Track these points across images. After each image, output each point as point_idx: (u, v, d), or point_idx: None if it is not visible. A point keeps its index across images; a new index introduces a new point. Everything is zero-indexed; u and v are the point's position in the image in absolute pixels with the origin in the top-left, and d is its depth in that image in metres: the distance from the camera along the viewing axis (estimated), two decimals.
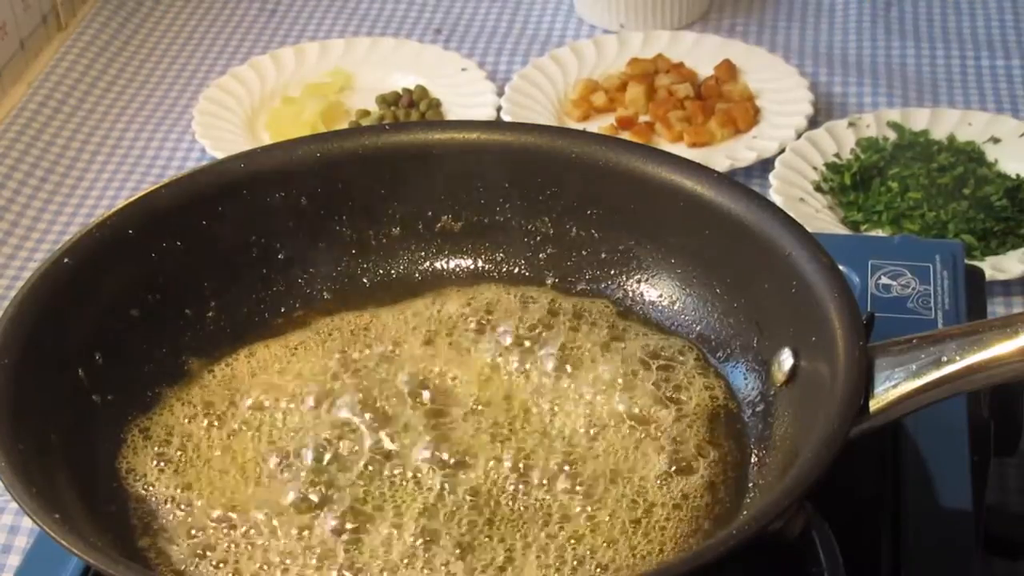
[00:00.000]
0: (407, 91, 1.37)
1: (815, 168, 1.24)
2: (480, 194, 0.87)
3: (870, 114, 1.30)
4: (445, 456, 0.75)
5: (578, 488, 0.73)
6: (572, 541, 0.71)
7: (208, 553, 0.72)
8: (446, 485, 0.74)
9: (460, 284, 0.87)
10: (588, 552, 0.71)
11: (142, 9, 1.57)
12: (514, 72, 1.41)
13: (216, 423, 0.79)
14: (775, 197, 1.19)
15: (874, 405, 0.69)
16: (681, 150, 1.27)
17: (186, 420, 0.79)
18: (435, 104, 1.37)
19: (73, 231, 0.96)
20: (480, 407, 0.78)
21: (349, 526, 0.72)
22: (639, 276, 0.86)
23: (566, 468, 0.74)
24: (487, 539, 0.71)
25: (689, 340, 0.83)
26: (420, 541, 0.71)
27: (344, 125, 1.34)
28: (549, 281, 0.87)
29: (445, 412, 0.78)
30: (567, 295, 0.85)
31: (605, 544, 0.71)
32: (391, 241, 0.88)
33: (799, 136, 1.28)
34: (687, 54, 1.41)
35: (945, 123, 1.28)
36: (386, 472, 0.75)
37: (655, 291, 0.85)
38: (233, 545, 0.72)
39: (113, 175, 1.33)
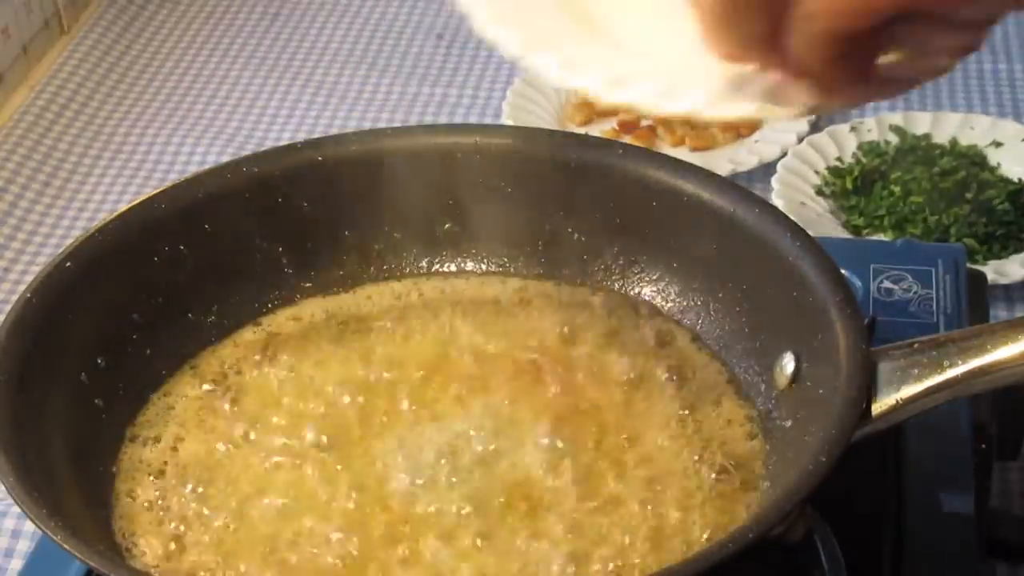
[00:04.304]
0: None
1: (817, 172, 1.24)
2: (481, 198, 0.87)
3: (872, 118, 1.30)
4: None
5: (578, 490, 0.73)
6: (575, 537, 0.71)
7: (210, 557, 0.72)
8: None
9: (463, 287, 0.87)
10: (589, 553, 0.71)
11: (144, 13, 1.57)
12: (515, 76, 1.41)
13: (218, 428, 0.79)
14: (777, 201, 1.19)
15: (876, 409, 0.69)
16: (683, 154, 1.27)
17: (188, 424, 0.79)
18: None
19: (75, 236, 0.96)
20: (490, 424, 0.78)
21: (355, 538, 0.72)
22: (640, 280, 0.86)
23: (571, 477, 0.74)
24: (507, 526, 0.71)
25: (689, 343, 0.83)
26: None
27: None
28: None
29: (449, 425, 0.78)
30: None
31: (608, 547, 0.71)
32: (393, 244, 0.88)
33: (801, 140, 1.27)
34: None
35: (947, 127, 1.28)
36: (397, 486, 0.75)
37: (657, 295, 0.85)
38: (236, 550, 0.72)
39: (115, 180, 1.33)
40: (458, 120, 1.37)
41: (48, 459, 0.72)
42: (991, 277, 1.06)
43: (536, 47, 0.68)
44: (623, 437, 0.76)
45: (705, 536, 0.71)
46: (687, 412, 0.78)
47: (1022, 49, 1.44)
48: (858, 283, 0.93)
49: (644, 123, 1.33)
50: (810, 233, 0.77)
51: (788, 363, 0.76)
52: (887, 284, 0.93)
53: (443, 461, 0.75)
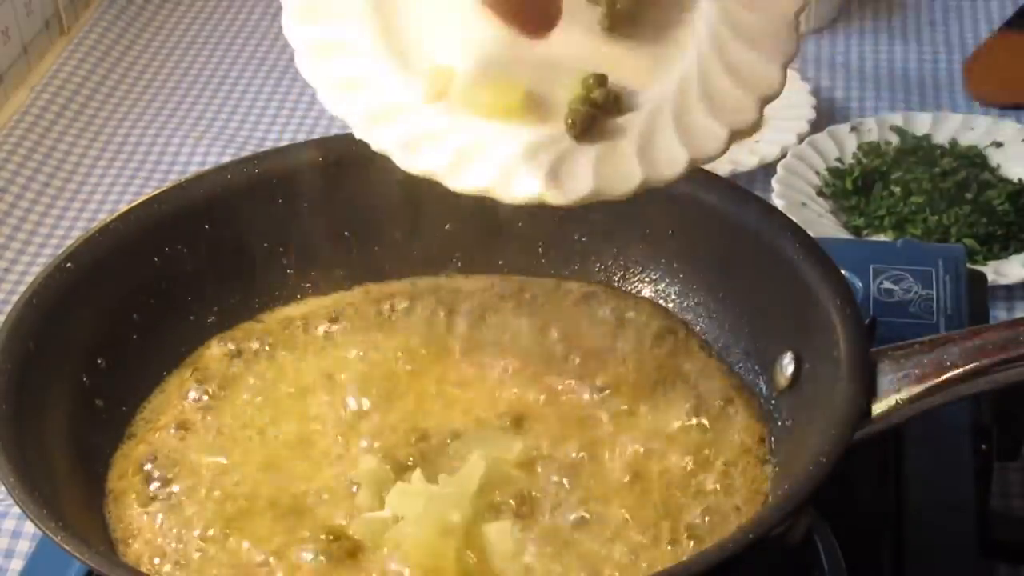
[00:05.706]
0: None
1: (817, 173, 1.24)
2: (481, 199, 0.87)
3: (872, 118, 1.30)
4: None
5: (586, 491, 0.74)
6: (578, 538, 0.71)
7: (208, 558, 0.72)
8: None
9: (464, 286, 0.87)
10: (595, 554, 0.71)
11: (144, 14, 1.57)
12: None
13: (218, 428, 0.79)
14: (777, 202, 1.19)
15: (876, 409, 0.69)
16: None
17: (188, 424, 0.79)
18: None
19: (75, 236, 0.96)
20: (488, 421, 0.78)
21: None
22: (640, 280, 0.86)
23: (567, 483, 0.74)
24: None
25: (689, 343, 0.83)
26: None
27: None
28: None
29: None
30: None
31: (611, 551, 0.71)
32: (394, 244, 0.88)
33: (801, 141, 1.27)
34: None
35: (947, 127, 1.28)
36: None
37: (657, 295, 0.85)
38: (234, 552, 0.72)
39: (116, 180, 1.33)
40: None
41: (48, 459, 0.72)
42: (991, 277, 1.07)
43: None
44: (622, 438, 0.76)
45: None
46: (686, 413, 0.78)
47: None
48: (858, 283, 0.93)
49: None
50: (810, 233, 0.78)
51: (788, 363, 0.76)
52: (887, 284, 0.93)
53: (448, 452, 0.76)
